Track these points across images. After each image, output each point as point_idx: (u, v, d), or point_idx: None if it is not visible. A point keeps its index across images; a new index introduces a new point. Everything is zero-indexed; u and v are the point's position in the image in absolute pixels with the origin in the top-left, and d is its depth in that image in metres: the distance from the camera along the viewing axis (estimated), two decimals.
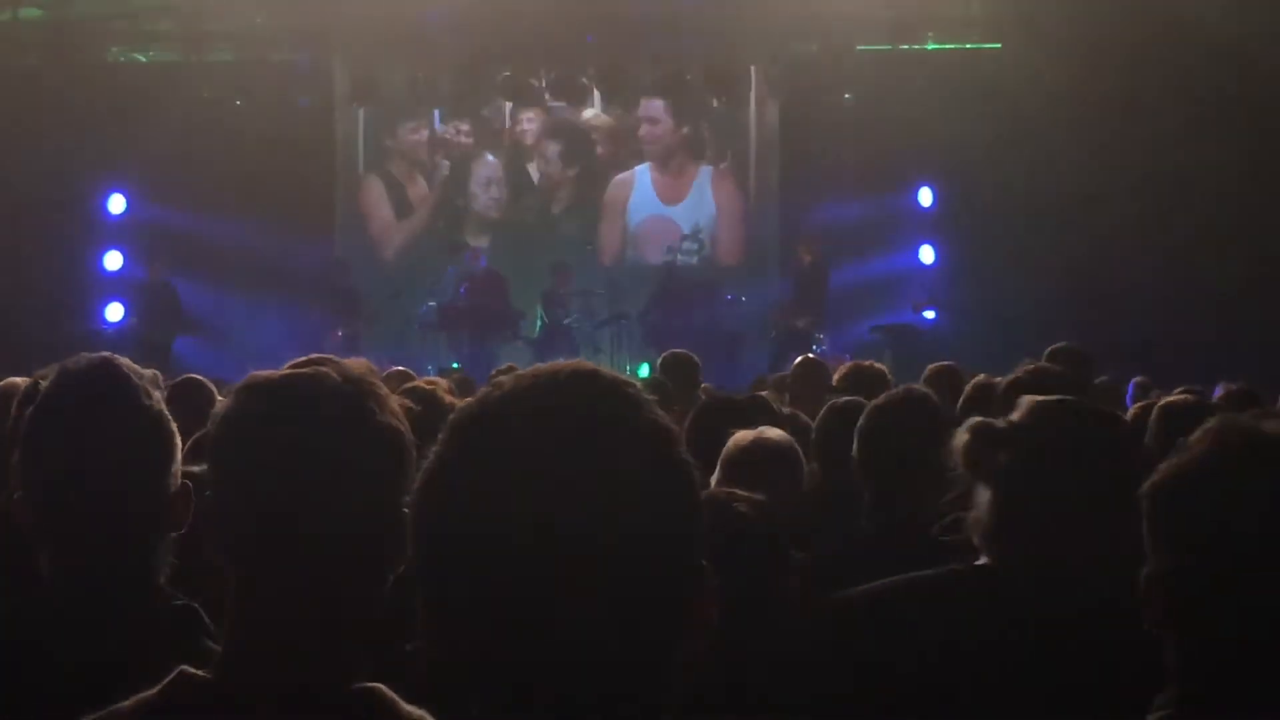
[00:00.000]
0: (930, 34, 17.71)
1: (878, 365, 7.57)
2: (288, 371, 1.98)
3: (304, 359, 2.01)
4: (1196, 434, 2.07)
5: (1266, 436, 2.02)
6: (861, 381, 6.72)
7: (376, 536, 1.86)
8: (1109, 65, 16.01)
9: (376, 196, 19.29)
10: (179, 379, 6.43)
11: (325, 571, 1.86)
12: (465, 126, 19.09)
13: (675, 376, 7.83)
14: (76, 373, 2.49)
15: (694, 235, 18.87)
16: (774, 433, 4.38)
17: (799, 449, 4.36)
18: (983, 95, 16.60)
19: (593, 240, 18.66)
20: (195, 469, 2.44)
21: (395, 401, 1.98)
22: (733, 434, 4.26)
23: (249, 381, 1.97)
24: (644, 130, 19.01)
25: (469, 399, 1.52)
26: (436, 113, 19.02)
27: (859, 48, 17.60)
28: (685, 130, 18.94)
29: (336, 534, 1.86)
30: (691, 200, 18.99)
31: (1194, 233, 15.87)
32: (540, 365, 1.53)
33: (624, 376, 1.51)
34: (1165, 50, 15.80)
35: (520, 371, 1.52)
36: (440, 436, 1.45)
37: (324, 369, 1.94)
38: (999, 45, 17.46)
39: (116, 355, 2.53)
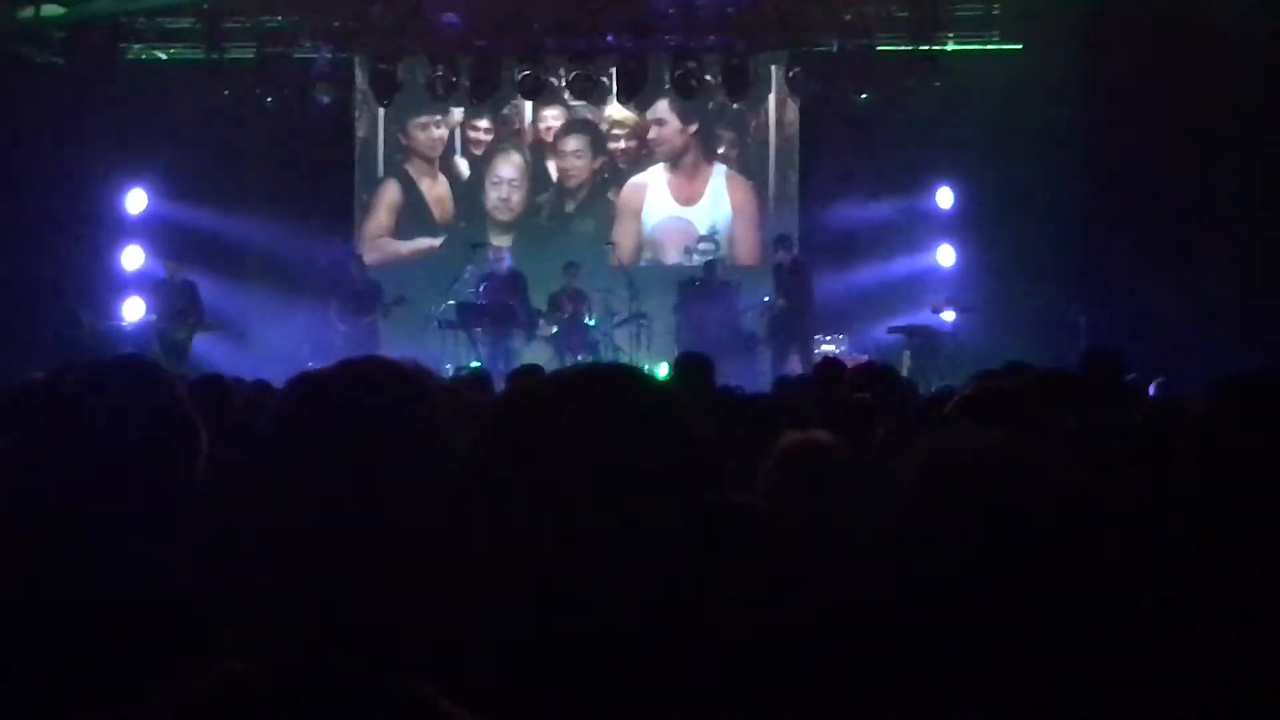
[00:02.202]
0: (950, 35, 17.66)
1: (887, 366, 7.63)
2: (342, 368, 1.98)
3: (357, 358, 2.02)
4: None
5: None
6: (874, 381, 6.76)
7: (424, 533, 1.87)
8: (1129, 68, 15.97)
9: (388, 202, 19.33)
10: (201, 375, 6.47)
11: (372, 567, 1.86)
12: (484, 124, 19.10)
13: (688, 377, 7.83)
14: (105, 368, 2.50)
15: (710, 236, 18.89)
16: (823, 435, 4.44)
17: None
18: (1003, 97, 16.58)
19: (611, 239, 18.60)
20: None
21: (444, 400, 1.98)
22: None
23: (304, 376, 1.98)
24: (653, 132, 19.03)
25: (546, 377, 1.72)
26: (457, 110, 19.02)
27: (879, 48, 17.57)
28: (694, 129, 18.94)
29: (387, 528, 1.86)
30: (707, 201, 18.99)
31: (1213, 235, 15.84)
32: (594, 363, 1.77)
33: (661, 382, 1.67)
34: (1185, 53, 15.75)
35: (582, 365, 1.77)
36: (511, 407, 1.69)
37: (378, 367, 1.95)
38: (1020, 47, 17.42)
39: (143, 352, 2.55)
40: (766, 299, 17.13)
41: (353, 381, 1.92)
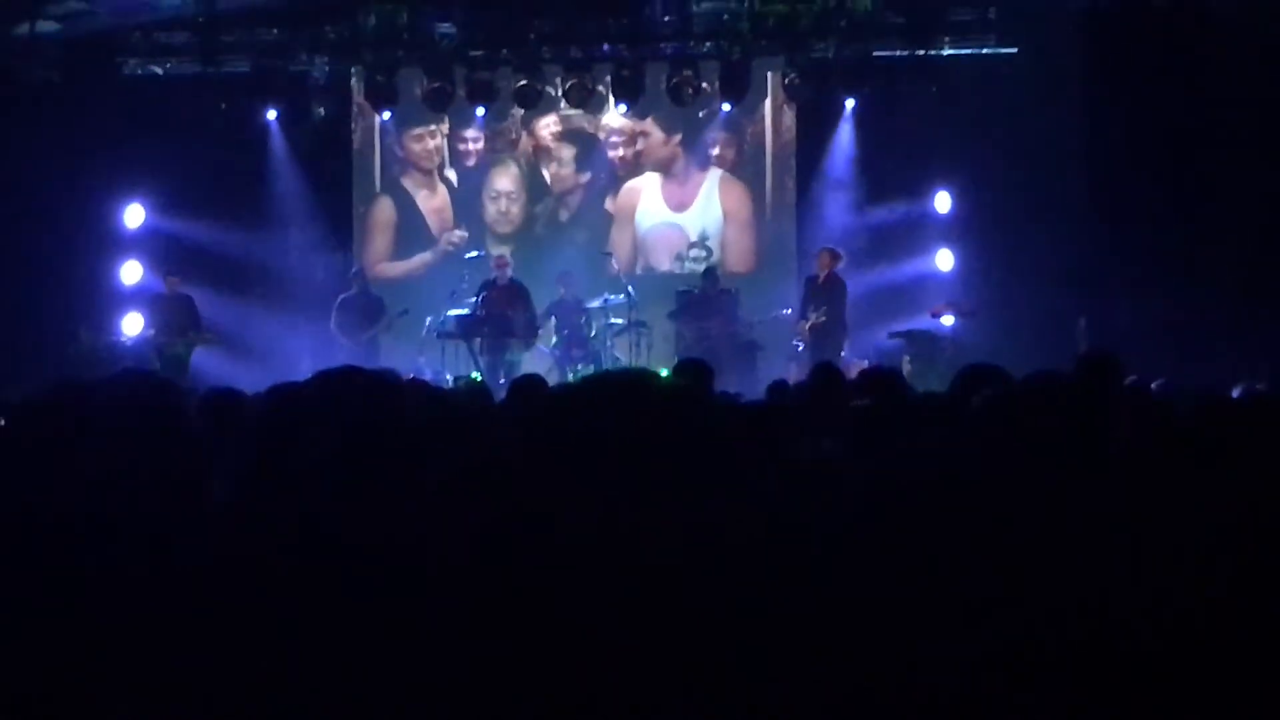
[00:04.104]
0: (946, 40, 17.66)
1: (891, 370, 7.60)
2: (317, 379, 1.98)
3: (333, 370, 2.02)
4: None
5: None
6: (877, 385, 6.73)
7: (403, 533, 1.87)
8: (1126, 70, 15.98)
9: (382, 223, 19.31)
10: (210, 390, 6.45)
11: (355, 569, 1.86)
12: (471, 133, 19.06)
13: (688, 383, 7.80)
14: (109, 384, 2.47)
15: (700, 242, 18.87)
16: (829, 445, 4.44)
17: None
18: (1000, 101, 16.58)
19: (611, 247, 18.56)
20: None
21: (418, 407, 1.99)
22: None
23: (280, 389, 1.98)
24: (640, 144, 19.00)
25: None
26: (448, 120, 18.99)
27: (875, 53, 17.58)
28: (678, 139, 18.91)
29: (366, 531, 1.86)
30: (699, 207, 18.96)
31: (1212, 237, 15.84)
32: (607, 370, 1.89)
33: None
34: (1182, 55, 15.77)
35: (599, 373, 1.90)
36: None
37: (353, 378, 1.95)
38: (1015, 51, 17.42)
39: (147, 366, 2.54)
40: (788, 311, 17.04)
41: (328, 392, 1.93)
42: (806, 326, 16.34)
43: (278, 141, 18.36)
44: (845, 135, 18.04)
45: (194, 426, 2.45)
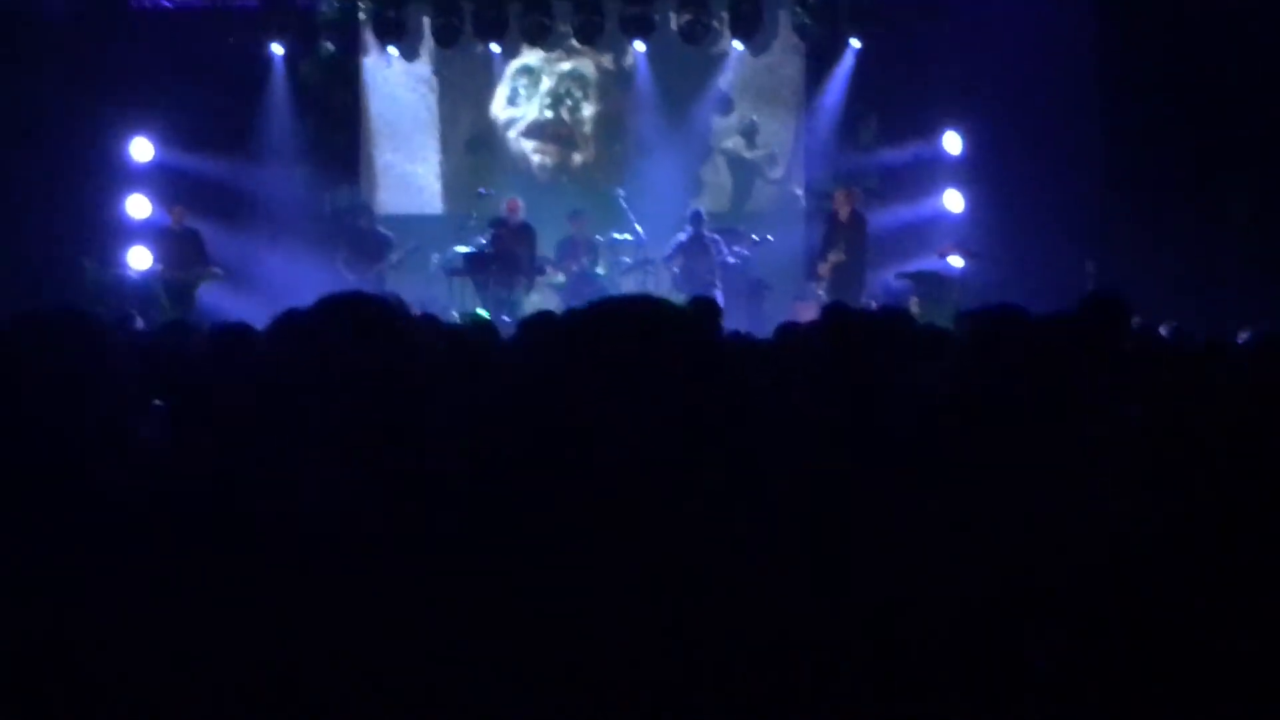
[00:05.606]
0: None
1: (901, 310, 7.59)
2: (323, 306, 1.98)
3: (337, 295, 2.02)
4: None
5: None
6: (886, 327, 6.70)
7: (408, 457, 1.88)
8: (1141, 10, 15.88)
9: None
10: (218, 324, 6.45)
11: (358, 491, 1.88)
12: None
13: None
14: (30, 328, 2.41)
15: None
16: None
17: None
18: (1012, 40, 16.47)
19: (623, 184, 18.33)
20: None
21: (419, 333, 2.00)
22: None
23: (288, 315, 1.98)
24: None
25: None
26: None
27: None
28: None
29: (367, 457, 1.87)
30: None
31: (1226, 181, 15.77)
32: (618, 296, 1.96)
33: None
34: None
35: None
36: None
37: (357, 304, 1.96)
38: None
39: (76, 305, 2.50)
40: (771, 237, 16.98)
41: (332, 318, 1.92)
42: (827, 266, 16.24)
43: (285, 77, 18.29)
44: (854, 75, 17.91)
45: (120, 365, 2.40)
